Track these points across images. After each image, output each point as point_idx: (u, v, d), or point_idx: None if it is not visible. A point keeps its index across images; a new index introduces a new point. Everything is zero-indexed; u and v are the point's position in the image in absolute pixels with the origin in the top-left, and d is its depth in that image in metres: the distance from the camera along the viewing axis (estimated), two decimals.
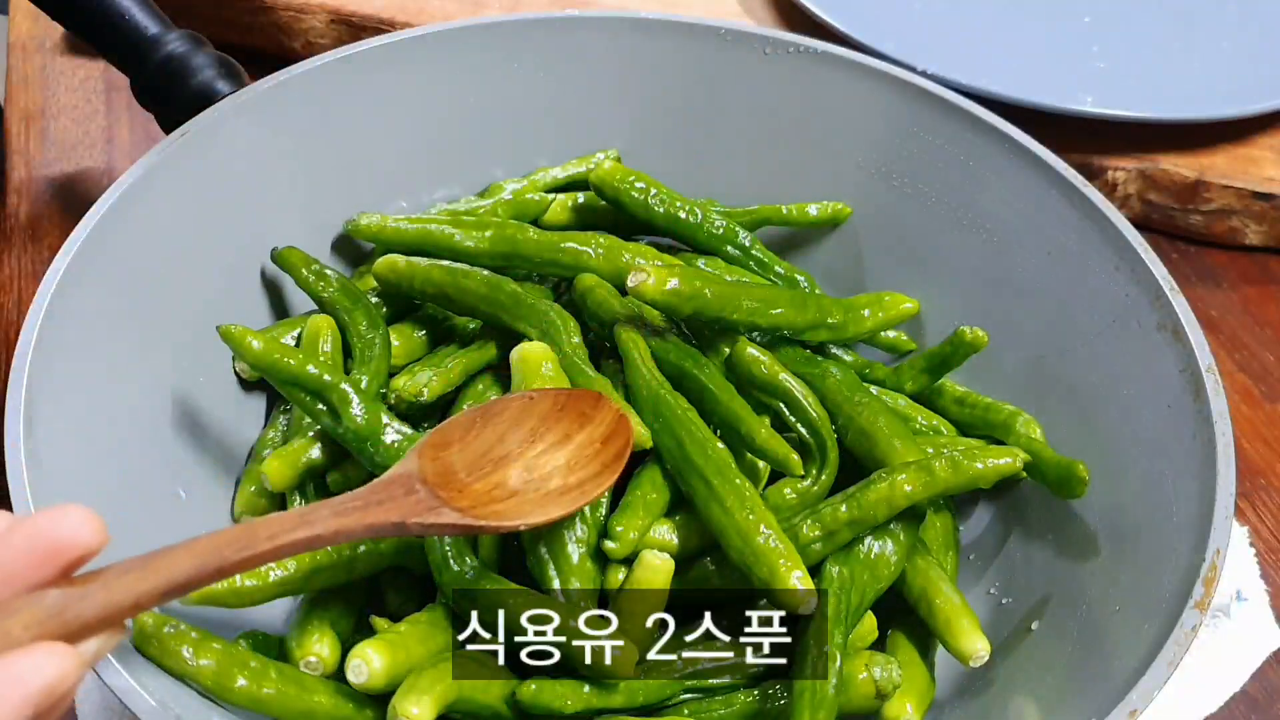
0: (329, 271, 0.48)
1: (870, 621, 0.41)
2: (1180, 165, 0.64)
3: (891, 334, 0.52)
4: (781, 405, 0.44)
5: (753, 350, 0.44)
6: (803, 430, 0.44)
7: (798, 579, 0.37)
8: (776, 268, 0.52)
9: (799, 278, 0.52)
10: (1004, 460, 0.41)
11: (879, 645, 0.42)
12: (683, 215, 0.51)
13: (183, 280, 0.45)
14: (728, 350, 0.45)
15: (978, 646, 0.39)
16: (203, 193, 0.47)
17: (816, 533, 0.40)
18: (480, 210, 0.52)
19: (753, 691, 0.39)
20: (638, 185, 0.50)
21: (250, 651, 0.37)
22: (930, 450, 0.43)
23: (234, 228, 0.48)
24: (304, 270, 0.48)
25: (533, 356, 0.42)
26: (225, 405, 0.47)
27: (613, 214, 0.52)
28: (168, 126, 0.52)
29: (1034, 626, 0.42)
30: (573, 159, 0.55)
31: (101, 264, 0.42)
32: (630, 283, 0.42)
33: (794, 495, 0.42)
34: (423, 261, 0.47)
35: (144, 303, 0.44)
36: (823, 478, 0.43)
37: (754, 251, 0.51)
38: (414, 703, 0.34)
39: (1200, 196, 0.64)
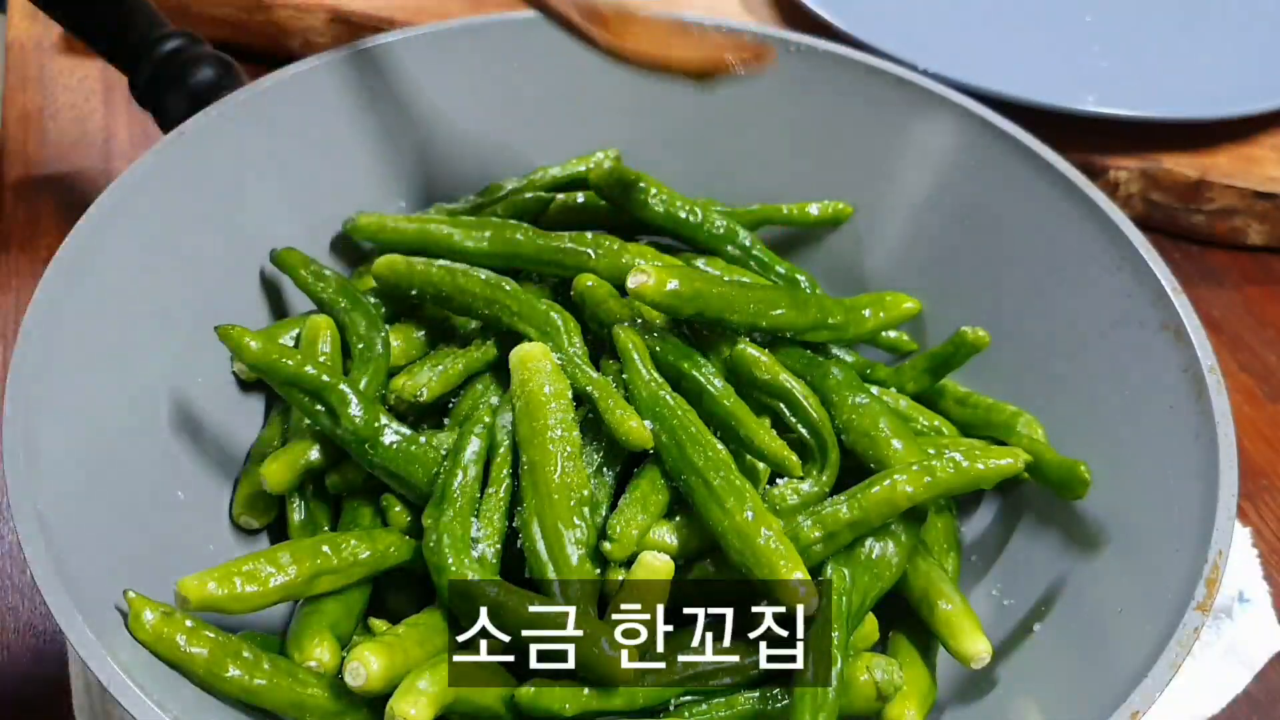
0: (328, 272, 0.48)
1: (871, 623, 0.41)
2: (1182, 165, 0.64)
3: (893, 334, 0.51)
4: (782, 406, 0.44)
5: (753, 351, 0.44)
6: (803, 431, 0.43)
7: (798, 580, 0.37)
8: (777, 267, 0.51)
9: (800, 277, 0.52)
10: (1005, 461, 0.41)
11: (880, 647, 0.42)
12: (683, 215, 0.51)
13: (180, 280, 0.45)
14: (728, 351, 0.45)
15: (979, 648, 0.39)
16: (200, 193, 0.46)
17: (817, 534, 0.40)
18: (480, 210, 0.51)
19: (753, 694, 0.38)
20: (638, 185, 0.50)
21: (243, 642, 0.36)
22: (931, 451, 0.43)
23: (232, 228, 0.48)
24: (302, 271, 0.47)
25: (532, 357, 0.42)
26: (223, 406, 0.46)
27: (613, 214, 0.51)
28: (166, 126, 0.52)
29: (1036, 628, 0.42)
30: (572, 158, 0.54)
31: (99, 264, 0.42)
32: (630, 284, 0.42)
33: (795, 496, 0.42)
34: (422, 261, 0.46)
35: (142, 303, 0.43)
36: (823, 479, 0.42)
37: (754, 251, 0.51)
38: (411, 704, 0.34)
39: (1202, 196, 0.64)
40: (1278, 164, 0.65)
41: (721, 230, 0.51)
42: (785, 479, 0.42)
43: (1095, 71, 0.69)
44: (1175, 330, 0.42)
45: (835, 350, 0.49)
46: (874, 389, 0.47)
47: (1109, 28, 0.72)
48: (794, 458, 0.41)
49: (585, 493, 0.40)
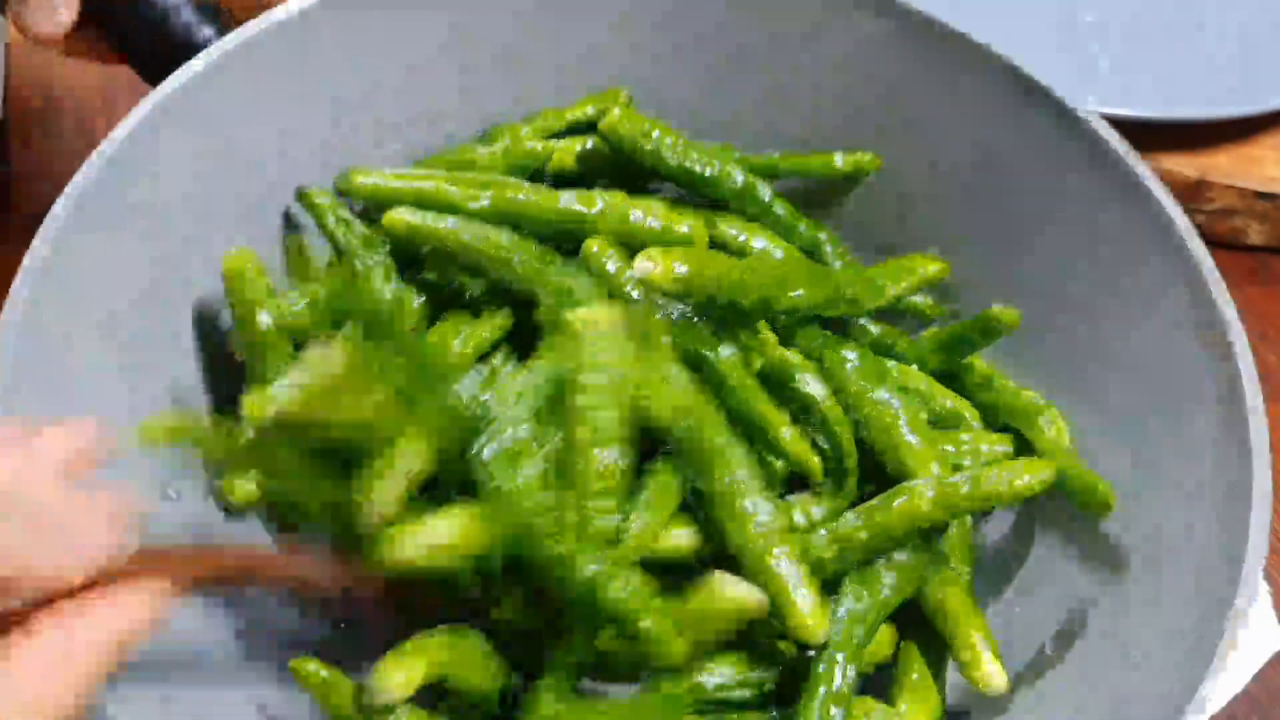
0: (355, 222, 0.45)
1: (885, 634, 0.40)
2: (1182, 165, 0.64)
3: (919, 299, 0.49)
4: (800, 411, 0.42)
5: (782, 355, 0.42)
6: (824, 445, 0.42)
7: (807, 608, 0.36)
8: (799, 225, 0.48)
9: (821, 235, 0.49)
10: (1026, 479, 0.39)
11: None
12: (698, 169, 0.47)
13: (172, 270, 0.43)
14: (745, 337, 0.43)
15: (997, 682, 0.38)
16: (188, 160, 0.43)
17: (831, 553, 0.39)
18: (481, 158, 0.49)
19: (762, 715, 0.38)
20: (651, 134, 0.46)
21: None
22: (950, 449, 0.42)
23: (220, 197, 0.45)
24: (330, 215, 0.45)
25: (597, 321, 0.38)
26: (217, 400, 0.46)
27: (623, 161, 0.48)
28: (148, 78, 0.48)
29: (1046, 644, 0.41)
30: (580, 98, 0.51)
31: (86, 253, 0.39)
32: (636, 273, 0.39)
33: (809, 513, 0.41)
34: (427, 220, 0.44)
35: (129, 295, 0.41)
36: (838, 501, 0.41)
37: (775, 208, 0.48)
38: (399, 671, 0.34)
39: (1202, 196, 0.64)
40: (1278, 164, 0.65)
41: (740, 184, 0.48)
42: (801, 494, 0.41)
43: (1095, 71, 0.69)
44: (1219, 345, 0.40)
45: (859, 321, 0.47)
46: (893, 367, 0.45)
47: (1109, 28, 0.72)
48: (817, 460, 0.40)
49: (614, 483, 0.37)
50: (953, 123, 0.49)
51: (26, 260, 0.37)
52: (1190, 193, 0.64)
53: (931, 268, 0.48)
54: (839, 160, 0.50)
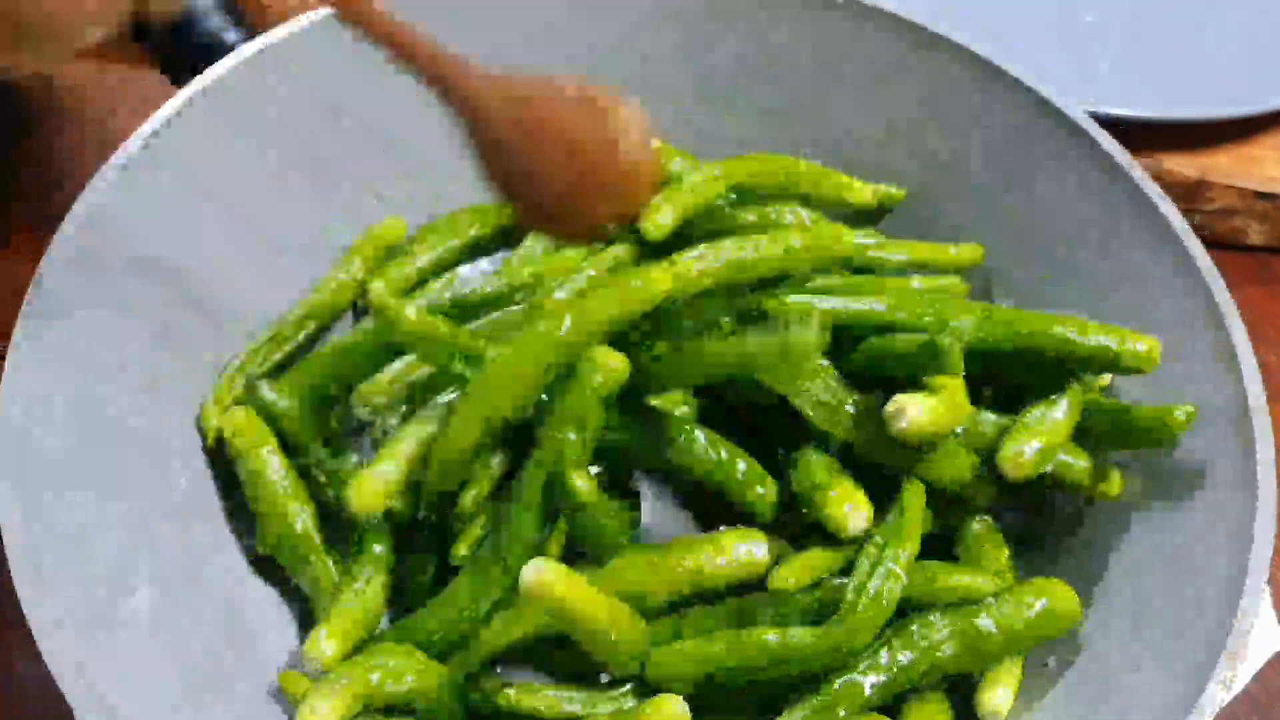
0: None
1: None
2: (1182, 165, 0.64)
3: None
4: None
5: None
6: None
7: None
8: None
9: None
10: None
11: None
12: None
13: (176, 262, 0.44)
14: None
15: (1000, 706, 0.38)
16: (206, 165, 0.44)
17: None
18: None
19: None
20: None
21: None
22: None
23: (234, 205, 0.46)
24: None
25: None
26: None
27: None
28: (173, 79, 0.49)
29: (1049, 661, 0.40)
30: None
31: (94, 248, 0.40)
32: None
33: None
34: None
35: (134, 287, 0.42)
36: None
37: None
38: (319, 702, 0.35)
39: (1203, 196, 0.64)
40: (1278, 164, 0.65)
41: None
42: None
43: (1095, 71, 0.69)
44: (1228, 360, 0.40)
45: None
46: None
47: (1109, 28, 0.72)
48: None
49: None
50: (952, 129, 0.50)
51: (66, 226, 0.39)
52: (1190, 193, 0.64)
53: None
54: (869, 194, 0.52)
